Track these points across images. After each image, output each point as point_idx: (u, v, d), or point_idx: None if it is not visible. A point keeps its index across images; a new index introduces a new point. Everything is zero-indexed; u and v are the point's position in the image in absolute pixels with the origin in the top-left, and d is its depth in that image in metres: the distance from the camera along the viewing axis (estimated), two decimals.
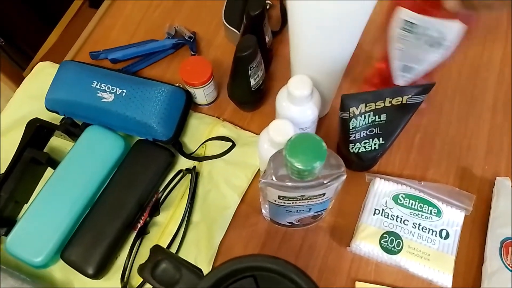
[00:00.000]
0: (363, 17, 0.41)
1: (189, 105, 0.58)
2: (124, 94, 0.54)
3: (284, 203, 0.40)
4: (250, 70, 0.51)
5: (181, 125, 0.56)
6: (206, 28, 0.67)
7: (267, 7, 0.67)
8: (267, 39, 0.56)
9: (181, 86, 0.58)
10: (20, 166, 0.54)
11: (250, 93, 0.55)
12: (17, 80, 0.98)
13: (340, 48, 0.46)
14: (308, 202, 0.40)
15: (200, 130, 0.57)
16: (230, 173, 0.54)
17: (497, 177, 0.53)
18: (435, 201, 0.50)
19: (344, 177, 0.38)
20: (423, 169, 0.55)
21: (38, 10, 1.26)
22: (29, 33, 1.25)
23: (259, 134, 0.57)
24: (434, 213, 0.49)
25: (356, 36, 0.44)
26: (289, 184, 0.36)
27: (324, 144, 0.34)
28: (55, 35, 1.12)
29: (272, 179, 0.36)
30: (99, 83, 0.55)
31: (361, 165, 0.53)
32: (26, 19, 1.25)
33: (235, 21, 0.62)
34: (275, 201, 0.40)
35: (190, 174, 0.54)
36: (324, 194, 0.39)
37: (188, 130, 0.58)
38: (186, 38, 0.63)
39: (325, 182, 0.36)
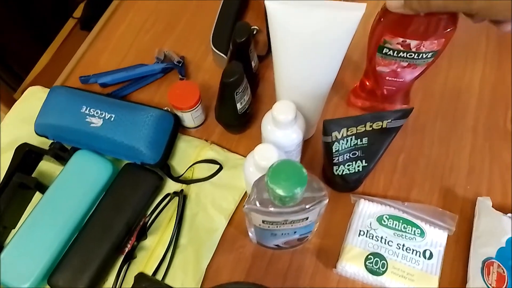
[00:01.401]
0: (342, 46, 0.43)
1: (177, 128, 0.59)
2: (112, 119, 0.55)
3: (268, 227, 0.41)
4: (236, 95, 0.52)
5: (169, 149, 0.57)
6: (194, 53, 0.69)
7: (254, 32, 0.69)
8: (253, 64, 0.57)
9: (169, 110, 0.59)
10: (9, 191, 0.54)
11: (237, 116, 0.56)
12: (8, 102, 0.99)
13: (322, 75, 0.47)
14: (292, 225, 0.41)
15: (188, 153, 0.58)
16: (218, 195, 0.55)
17: (478, 197, 0.54)
18: (418, 222, 0.51)
19: (326, 201, 0.39)
20: (407, 189, 0.56)
21: (30, 32, 1.28)
22: (21, 54, 1.27)
23: (246, 157, 0.58)
24: (418, 233, 0.50)
25: (337, 63, 0.46)
26: (272, 209, 0.37)
27: (304, 170, 0.35)
28: (47, 57, 1.14)
29: (256, 205, 0.37)
30: (88, 108, 0.56)
31: (346, 187, 0.54)
32: (18, 41, 1.27)
33: (223, 46, 0.64)
34: (260, 225, 0.41)
35: (177, 197, 0.54)
36: (307, 218, 0.40)
37: (176, 153, 0.59)
38: (175, 63, 0.65)
39: (307, 207, 0.37)
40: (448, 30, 0.45)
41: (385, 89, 0.56)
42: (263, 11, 0.72)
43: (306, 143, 0.60)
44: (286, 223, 0.40)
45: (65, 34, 1.14)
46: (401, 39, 0.46)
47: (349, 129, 0.46)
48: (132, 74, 0.65)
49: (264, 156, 0.44)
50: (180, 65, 0.65)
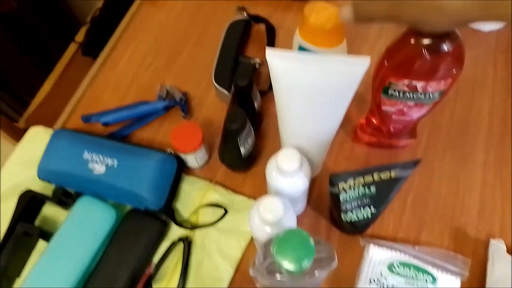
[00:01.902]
0: (347, 98, 0.42)
1: (181, 171, 0.58)
2: (115, 165, 0.54)
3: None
4: (240, 140, 0.51)
5: (173, 193, 0.56)
6: (197, 87, 0.68)
7: (256, 66, 0.67)
8: (256, 104, 0.56)
9: (172, 151, 0.58)
10: (12, 241, 0.53)
11: (241, 159, 0.55)
12: (11, 131, 0.99)
13: (326, 124, 0.46)
14: (300, 286, 0.40)
15: (192, 196, 0.57)
16: (223, 241, 0.54)
17: (491, 240, 0.52)
18: (429, 268, 0.49)
19: (335, 263, 0.38)
20: (417, 230, 0.55)
21: (33, 55, 1.29)
22: (24, 77, 1.27)
23: (251, 198, 0.57)
24: (429, 281, 0.49)
25: (341, 113, 0.45)
26: (279, 279, 0.36)
27: (311, 240, 0.34)
28: (49, 84, 1.14)
29: (263, 273, 0.36)
30: (91, 154, 0.55)
31: (354, 231, 0.53)
32: (21, 64, 1.27)
33: (225, 82, 0.63)
34: (267, 286, 0.40)
35: (182, 243, 0.53)
36: (316, 280, 0.39)
37: (181, 195, 0.58)
38: (177, 101, 0.64)
39: (316, 274, 0.36)
40: (454, 70, 0.44)
41: (392, 127, 0.55)
42: (265, 43, 0.72)
43: (312, 182, 0.59)
44: (294, 285, 0.39)
45: (67, 59, 1.14)
46: (406, 81, 0.45)
47: (356, 179, 0.45)
48: (134, 113, 0.64)
49: (269, 210, 0.42)
50: (182, 102, 0.64)
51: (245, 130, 0.50)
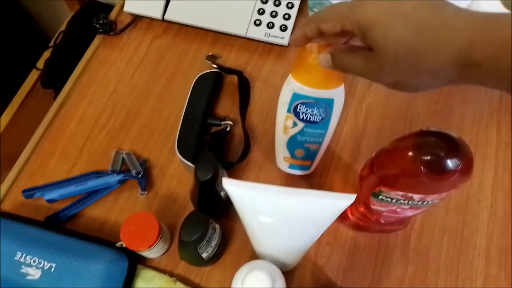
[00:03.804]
0: (323, 226, 0.34)
1: (134, 267, 0.49)
2: (52, 269, 0.45)
3: None
4: (200, 249, 0.42)
5: None
6: (159, 152, 0.59)
7: (227, 129, 0.59)
8: (222, 194, 0.47)
9: (123, 245, 0.49)
10: None
11: (204, 262, 0.46)
12: None
13: (303, 240, 0.38)
14: None
15: None
16: None
17: None
18: None
19: None
20: None
21: None
22: None
23: None
24: None
25: (318, 235, 0.36)
26: None
27: None
28: (7, 116, 1.03)
29: None
30: (24, 255, 0.46)
31: None
32: None
33: (190, 153, 0.54)
34: None
35: None
36: None
37: None
38: (133, 175, 0.55)
39: None
40: (460, 183, 0.36)
41: (383, 220, 0.47)
42: (237, 99, 0.63)
43: (289, 274, 0.50)
44: None
45: (27, 88, 1.04)
46: (401, 193, 0.37)
47: None
48: (83, 188, 0.55)
49: None
50: (140, 176, 0.55)
51: (205, 238, 0.42)
